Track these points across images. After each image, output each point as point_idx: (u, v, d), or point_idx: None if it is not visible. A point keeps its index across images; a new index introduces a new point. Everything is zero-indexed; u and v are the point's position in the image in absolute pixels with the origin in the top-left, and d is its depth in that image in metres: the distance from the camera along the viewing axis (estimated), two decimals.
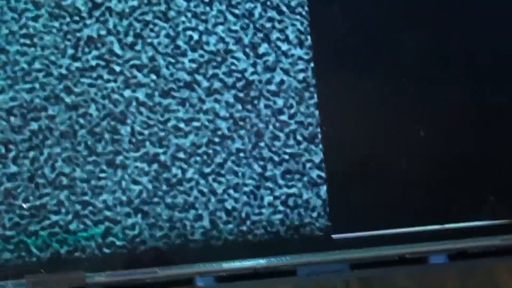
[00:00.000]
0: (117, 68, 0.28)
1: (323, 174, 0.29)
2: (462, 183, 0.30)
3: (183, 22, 0.29)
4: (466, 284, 0.35)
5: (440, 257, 0.31)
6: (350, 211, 0.29)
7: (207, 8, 0.29)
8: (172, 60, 0.28)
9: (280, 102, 0.29)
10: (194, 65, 0.29)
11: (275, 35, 0.30)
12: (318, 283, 0.34)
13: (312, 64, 0.30)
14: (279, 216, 0.29)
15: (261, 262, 0.29)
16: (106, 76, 0.28)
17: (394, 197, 0.30)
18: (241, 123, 0.29)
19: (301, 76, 0.30)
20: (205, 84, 0.29)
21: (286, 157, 0.29)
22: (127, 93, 0.28)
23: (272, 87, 0.29)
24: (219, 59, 0.29)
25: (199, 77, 0.29)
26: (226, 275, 0.29)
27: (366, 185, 0.29)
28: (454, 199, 0.30)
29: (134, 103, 0.28)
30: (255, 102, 0.29)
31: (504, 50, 0.31)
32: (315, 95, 0.30)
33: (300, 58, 0.30)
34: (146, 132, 0.28)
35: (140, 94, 0.28)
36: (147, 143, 0.28)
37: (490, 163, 0.30)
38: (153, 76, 0.29)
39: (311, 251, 0.29)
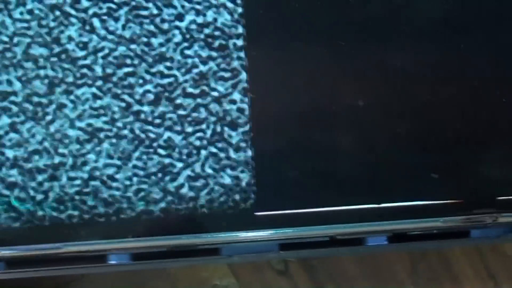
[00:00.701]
0: None
1: (249, 150, 0.28)
2: (402, 160, 0.28)
3: None
4: (417, 266, 0.34)
5: (379, 238, 0.29)
6: (278, 188, 0.28)
7: None
8: None
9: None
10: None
11: None
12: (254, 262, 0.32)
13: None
14: (202, 192, 0.27)
15: (181, 239, 0.27)
16: None
17: (327, 174, 0.28)
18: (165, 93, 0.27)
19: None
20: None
21: (210, 131, 0.27)
22: None
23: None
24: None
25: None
26: (142, 252, 0.27)
27: (296, 160, 0.28)
28: (393, 177, 0.28)
29: None
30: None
31: (441, 18, 0.29)
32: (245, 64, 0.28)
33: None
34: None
35: None
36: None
37: (433, 139, 0.28)
38: None
39: (235, 229, 0.27)
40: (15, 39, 0.27)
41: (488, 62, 0.29)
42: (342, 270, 0.34)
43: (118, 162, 0.27)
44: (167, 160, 0.27)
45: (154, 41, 0.27)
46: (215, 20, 0.28)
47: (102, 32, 0.27)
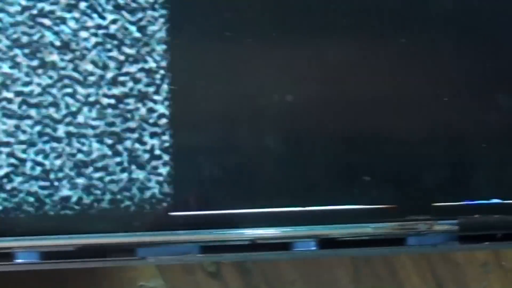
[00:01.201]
0: None
1: (168, 147, 0.29)
2: (332, 161, 0.29)
3: None
4: (360, 272, 0.34)
5: (307, 244, 0.29)
6: (197, 188, 0.28)
7: None
8: None
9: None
10: None
11: None
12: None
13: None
14: (116, 190, 0.28)
15: (90, 239, 0.28)
16: None
17: (251, 174, 0.28)
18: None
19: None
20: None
21: (125, 126, 0.28)
22: None
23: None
24: None
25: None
26: (51, 251, 0.27)
27: (217, 159, 0.28)
28: (322, 178, 0.29)
29: None
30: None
31: (374, 11, 0.29)
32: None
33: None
34: None
35: None
36: None
37: (366, 140, 0.29)
38: None
39: (150, 229, 0.28)
40: None
41: (427, 59, 0.29)
42: (279, 274, 0.35)
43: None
44: (79, 156, 0.27)
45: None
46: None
47: None
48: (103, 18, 0.28)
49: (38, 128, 0.28)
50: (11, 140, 0.28)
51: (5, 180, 0.28)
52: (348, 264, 0.35)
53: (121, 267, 0.32)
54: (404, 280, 0.35)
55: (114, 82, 0.28)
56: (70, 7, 0.28)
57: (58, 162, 0.28)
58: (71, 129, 0.28)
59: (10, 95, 0.28)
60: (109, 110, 0.28)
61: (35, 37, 0.28)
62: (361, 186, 0.29)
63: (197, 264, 0.34)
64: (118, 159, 0.28)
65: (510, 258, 0.36)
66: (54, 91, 0.28)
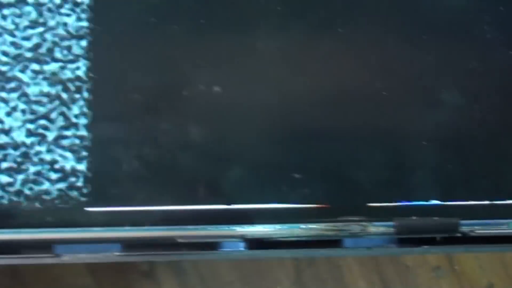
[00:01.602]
0: None
1: (85, 138, 0.29)
2: (260, 156, 0.29)
3: None
4: (302, 274, 0.34)
5: (234, 244, 0.29)
6: (116, 182, 0.28)
7: None
8: None
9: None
10: None
11: None
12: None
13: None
14: (28, 183, 0.29)
15: (7, 234, 0.28)
16: None
17: (173, 168, 0.29)
18: None
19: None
20: None
21: (38, 115, 0.29)
22: None
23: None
24: None
25: None
26: None
27: (138, 152, 0.28)
28: (248, 175, 0.29)
29: None
30: None
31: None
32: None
33: None
34: None
35: None
36: None
37: (297, 134, 0.29)
38: None
39: (66, 225, 0.28)
40: None
41: (363, 52, 0.30)
42: (217, 275, 0.35)
43: None
44: None
45: None
46: None
47: None
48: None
49: None
50: None
51: None
52: (289, 266, 0.35)
53: (48, 264, 0.32)
54: (350, 283, 0.36)
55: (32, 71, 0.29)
56: None
57: None
58: None
59: None
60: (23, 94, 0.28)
61: None
62: (290, 183, 0.29)
63: (129, 263, 0.35)
64: (33, 151, 0.28)
65: (463, 262, 0.36)
66: None
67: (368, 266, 0.36)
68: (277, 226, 0.30)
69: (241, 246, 0.30)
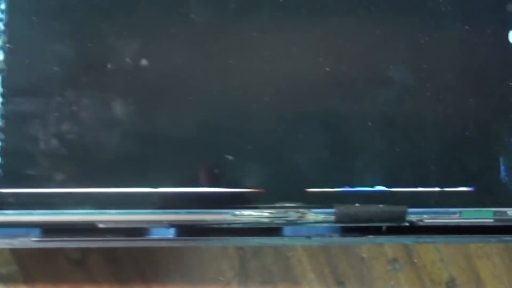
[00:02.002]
0: None
1: None
2: (190, 137, 0.29)
3: None
4: (247, 265, 0.34)
5: (164, 230, 0.29)
6: (28, 162, 0.28)
7: None
8: None
9: None
10: None
11: None
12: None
13: None
14: None
15: None
16: None
17: (94, 149, 0.29)
18: None
19: None
20: None
21: None
22: None
23: None
24: None
25: None
26: None
27: (55, 131, 0.28)
28: (177, 156, 0.29)
29: None
30: None
31: None
32: None
33: None
34: None
35: None
36: None
37: (231, 114, 0.29)
38: None
39: None
40: None
41: (305, 24, 0.29)
42: (154, 264, 0.35)
43: None
44: None
45: None
46: None
47: None
48: None
49: None
50: None
51: None
52: (233, 256, 0.35)
53: None
54: (299, 276, 0.35)
55: None
56: None
57: None
58: None
59: None
60: None
61: None
62: (222, 166, 0.29)
63: (58, 250, 0.34)
64: None
65: (423, 255, 0.36)
66: None
67: (319, 258, 0.36)
68: (208, 212, 0.29)
69: (170, 233, 0.30)
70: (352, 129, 0.29)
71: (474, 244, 0.36)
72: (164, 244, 0.30)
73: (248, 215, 0.29)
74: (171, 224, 0.29)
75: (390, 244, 0.36)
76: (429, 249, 0.36)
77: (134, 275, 0.35)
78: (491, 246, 0.36)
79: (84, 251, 0.35)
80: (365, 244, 0.34)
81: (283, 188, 0.29)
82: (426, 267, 0.36)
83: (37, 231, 0.29)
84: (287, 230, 0.30)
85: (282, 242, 0.30)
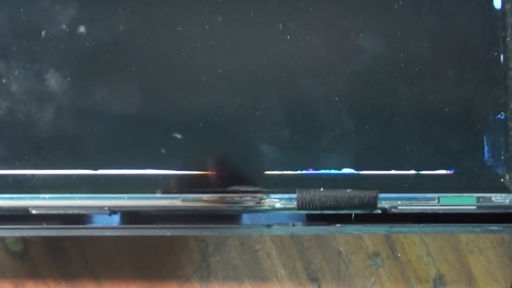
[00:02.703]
0: None
1: None
2: (131, 114, 0.29)
3: None
4: (210, 259, 0.34)
5: (106, 218, 0.29)
6: None
7: None
8: None
9: None
10: None
11: None
12: None
13: None
14: None
15: None
16: None
17: (27, 125, 0.29)
18: None
19: None
20: None
21: None
22: None
23: None
24: None
25: None
26: None
27: None
28: (118, 134, 0.29)
29: None
30: None
31: None
32: None
33: None
34: None
35: None
36: None
37: (175, 82, 0.28)
38: None
39: None
40: None
41: None
42: (104, 258, 0.35)
43: None
44: None
45: None
46: None
47: None
48: None
49: None
50: None
51: None
52: (195, 249, 0.35)
53: None
54: (268, 271, 0.35)
55: None
56: None
57: None
58: None
59: None
60: None
61: None
62: (170, 145, 0.29)
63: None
64: None
65: (408, 249, 0.36)
66: None
67: (290, 251, 0.36)
68: (154, 197, 0.29)
69: (113, 220, 0.30)
70: (316, 105, 0.29)
71: (465, 236, 0.35)
72: (107, 232, 0.30)
73: (199, 200, 0.29)
74: (112, 211, 0.28)
75: (370, 237, 0.36)
76: (414, 242, 0.36)
77: (83, 270, 0.35)
78: (484, 239, 0.35)
79: (26, 243, 0.35)
80: (338, 235, 0.34)
81: (238, 171, 0.29)
82: (411, 262, 0.36)
83: None
84: (245, 218, 0.30)
85: (239, 231, 0.30)
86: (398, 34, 0.29)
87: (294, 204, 0.30)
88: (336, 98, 0.29)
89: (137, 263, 0.35)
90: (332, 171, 0.30)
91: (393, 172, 0.29)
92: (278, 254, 0.36)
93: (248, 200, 0.30)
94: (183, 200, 0.29)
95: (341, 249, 0.36)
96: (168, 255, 0.36)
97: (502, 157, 0.29)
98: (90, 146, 0.29)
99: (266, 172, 0.29)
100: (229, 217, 0.30)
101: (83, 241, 0.35)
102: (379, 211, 0.30)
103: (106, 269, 0.35)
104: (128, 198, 0.29)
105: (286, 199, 0.30)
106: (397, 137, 0.29)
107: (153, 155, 0.29)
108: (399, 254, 0.36)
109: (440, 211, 0.29)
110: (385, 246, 0.36)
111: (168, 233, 0.30)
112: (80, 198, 0.29)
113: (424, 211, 0.30)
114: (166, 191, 0.29)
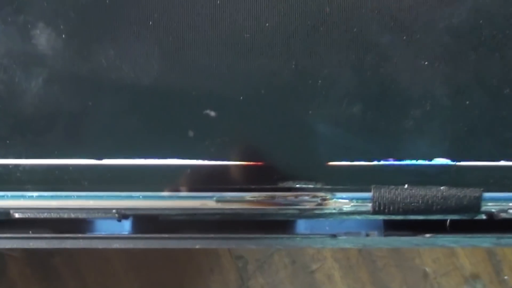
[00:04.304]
0: None
1: None
2: (154, 90, 0.30)
3: None
4: (248, 283, 0.35)
5: (114, 224, 0.31)
6: None
7: None
8: None
9: None
10: None
11: None
12: None
13: None
14: None
15: None
16: None
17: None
18: None
19: None
20: None
21: None
22: None
23: None
24: None
25: None
26: None
27: None
28: (128, 117, 0.30)
29: None
30: None
31: None
32: None
33: None
34: None
35: None
36: None
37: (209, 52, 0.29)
38: None
39: None
40: None
41: None
42: (106, 279, 0.35)
43: None
44: None
45: None
46: None
47: None
48: None
49: None
50: None
51: None
52: (229, 267, 0.35)
53: None
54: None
55: None
56: None
57: None
58: None
59: None
60: None
61: None
62: (199, 126, 0.30)
63: None
64: None
65: None
66: None
67: (358, 272, 0.36)
68: (178, 196, 0.30)
69: (124, 228, 0.31)
70: (399, 71, 0.29)
71: None
72: (114, 244, 0.30)
73: (239, 200, 0.29)
74: (122, 214, 0.29)
75: (467, 253, 0.36)
76: None
77: None
78: None
79: (4, 259, 0.35)
80: (423, 250, 0.34)
81: (293, 161, 0.29)
82: None
83: None
84: (301, 225, 0.31)
85: (292, 243, 0.30)
86: None
87: (368, 206, 0.30)
88: (426, 63, 0.30)
89: (152, 285, 0.35)
90: (420, 162, 0.30)
91: (503, 163, 0.29)
92: (342, 276, 0.36)
93: (306, 201, 0.30)
94: (217, 201, 0.30)
95: (427, 269, 0.36)
96: (194, 277, 0.36)
97: None
98: (92, 128, 0.29)
99: (331, 163, 0.30)
100: (279, 224, 0.31)
101: (79, 257, 0.36)
102: (483, 217, 0.30)
103: None
104: (144, 197, 0.30)
105: (357, 199, 0.30)
106: (508, 117, 0.29)
107: (177, 140, 0.30)
108: (506, 277, 0.36)
109: None
110: (487, 265, 0.36)
111: (196, 245, 0.30)
112: (78, 197, 0.29)
113: None
114: (195, 188, 0.29)
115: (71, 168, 0.29)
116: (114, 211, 0.29)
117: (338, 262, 0.35)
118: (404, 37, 0.29)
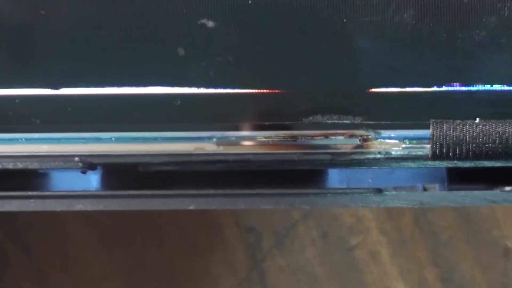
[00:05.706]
0: None
1: None
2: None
3: None
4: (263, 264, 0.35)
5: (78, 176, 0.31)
6: None
7: None
8: None
9: None
10: None
11: None
12: None
13: None
14: None
15: None
16: None
17: None
18: None
19: None
20: None
21: None
22: None
23: None
24: None
25: None
26: None
27: None
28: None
29: None
30: None
31: None
32: None
33: None
34: None
35: None
36: None
37: None
38: None
39: None
40: None
41: None
42: (66, 259, 0.35)
43: None
44: None
45: None
46: None
47: None
48: None
49: None
50: None
51: None
52: (237, 242, 0.35)
53: None
54: (374, 286, 0.35)
55: None
56: None
57: None
58: None
59: None
60: None
61: None
62: (193, 41, 0.30)
63: None
64: None
65: None
66: None
67: (414, 248, 0.36)
68: (165, 138, 0.30)
69: (90, 182, 0.32)
70: None
71: None
72: (77, 205, 0.30)
73: (248, 142, 0.29)
74: (88, 163, 0.29)
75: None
76: None
77: (27, 281, 0.35)
78: None
79: None
80: (499, 212, 0.34)
81: (322, 87, 0.29)
82: None
83: None
84: (334, 176, 0.31)
85: (322, 201, 0.30)
86: None
87: (426, 149, 0.29)
88: None
89: (130, 271, 0.36)
90: (496, 88, 0.30)
91: None
92: (391, 255, 0.36)
93: (341, 142, 0.29)
94: (218, 143, 0.29)
95: (509, 244, 0.36)
96: (189, 257, 0.36)
97: None
98: (46, 46, 0.30)
99: (373, 90, 0.30)
100: (303, 176, 0.30)
101: (29, 231, 0.36)
102: None
103: (72, 280, 0.36)
104: (117, 140, 0.30)
105: (411, 139, 0.30)
106: None
107: (162, 61, 0.30)
108: None
109: None
110: None
111: (190, 205, 0.30)
112: (28, 140, 0.30)
113: None
114: (187, 126, 0.30)
115: (17, 101, 0.30)
116: (76, 159, 0.30)
117: (385, 235, 0.35)
118: None
